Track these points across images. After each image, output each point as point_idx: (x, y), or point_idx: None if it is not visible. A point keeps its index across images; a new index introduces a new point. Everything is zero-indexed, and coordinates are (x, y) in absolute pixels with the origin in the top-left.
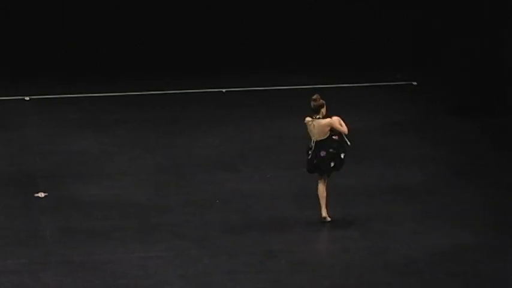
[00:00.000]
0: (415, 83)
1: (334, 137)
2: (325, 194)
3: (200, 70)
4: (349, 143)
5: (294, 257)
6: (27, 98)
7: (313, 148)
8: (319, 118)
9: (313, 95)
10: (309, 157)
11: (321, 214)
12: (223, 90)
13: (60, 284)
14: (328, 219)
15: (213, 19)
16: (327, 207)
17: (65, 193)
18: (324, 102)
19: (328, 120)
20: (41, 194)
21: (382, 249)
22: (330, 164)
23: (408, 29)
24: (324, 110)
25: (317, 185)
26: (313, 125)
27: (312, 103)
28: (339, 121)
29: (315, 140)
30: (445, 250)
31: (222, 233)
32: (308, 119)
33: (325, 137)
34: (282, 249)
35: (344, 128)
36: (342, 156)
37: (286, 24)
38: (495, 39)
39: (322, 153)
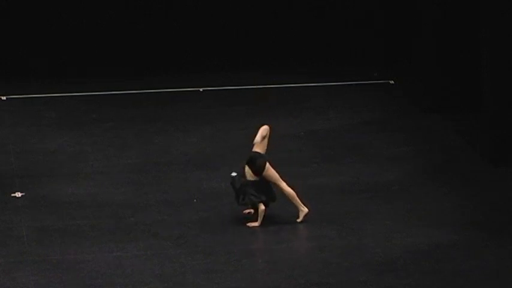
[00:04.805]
0: (392, 82)
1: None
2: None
3: (177, 69)
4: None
5: (271, 256)
6: (3, 98)
7: None
8: None
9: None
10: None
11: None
12: (201, 89)
13: (36, 284)
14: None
15: (189, 18)
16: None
17: (41, 193)
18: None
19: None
20: (18, 194)
21: (358, 248)
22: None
23: (386, 27)
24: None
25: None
26: None
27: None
28: None
29: None
30: (421, 248)
31: (199, 232)
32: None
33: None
34: (259, 248)
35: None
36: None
37: (263, 24)
38: (471, 38)
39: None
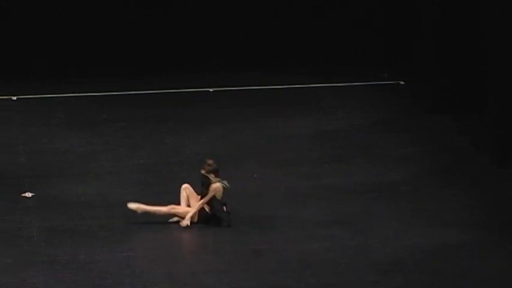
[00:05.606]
0: (402, 83)
1: None
2: None
3: (187, 69)
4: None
5: (280, 256)
6: (14, 98)
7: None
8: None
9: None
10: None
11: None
12: (211, 89)
13: (46, 284)
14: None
15: (200, 18)
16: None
17: (51, 193)
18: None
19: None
20: (28, 194)
21: (367, 248)
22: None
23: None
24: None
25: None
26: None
27: (208, 167)
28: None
29: None
30: (429, 248)
31: (209, 232)
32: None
33: None
34: (269, 248)
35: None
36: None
37: (273, 24)
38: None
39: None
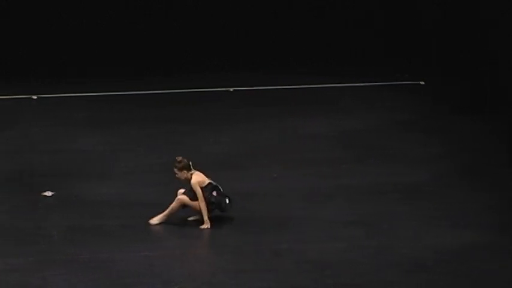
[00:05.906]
0: (422, 83)
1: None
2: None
3: (208, 69)
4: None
5: (300, 256)
6: (34, 97)
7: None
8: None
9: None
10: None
11: None
12: (231, 89)
13: (66, 283)
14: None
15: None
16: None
17: (72, 192)
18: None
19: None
20: (48, 193)
21: (387, 249)
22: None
23: (417, 28)
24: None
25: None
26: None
27: (179, 165)
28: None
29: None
30: (451, 249)
31: (228, 232)
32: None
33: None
34: (288, 248)
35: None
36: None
37: (293, 23)
38: (497, 39)
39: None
